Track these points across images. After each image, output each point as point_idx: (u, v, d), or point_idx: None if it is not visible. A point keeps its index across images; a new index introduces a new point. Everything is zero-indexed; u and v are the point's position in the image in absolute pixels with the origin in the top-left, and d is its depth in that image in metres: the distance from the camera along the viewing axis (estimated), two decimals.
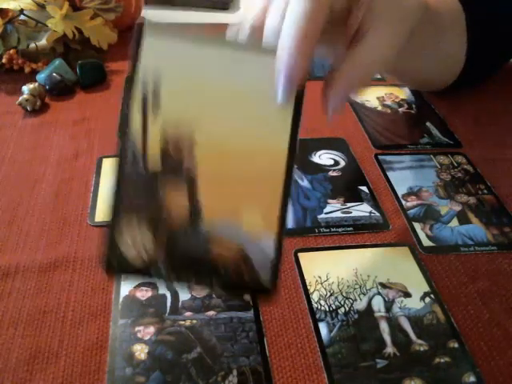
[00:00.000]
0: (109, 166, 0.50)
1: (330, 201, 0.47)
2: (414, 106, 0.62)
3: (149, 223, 0.28)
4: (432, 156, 0.54)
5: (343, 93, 0.32)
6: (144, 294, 0.38)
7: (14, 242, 0.41)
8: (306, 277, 0.40)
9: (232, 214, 0.29)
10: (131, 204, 0.28)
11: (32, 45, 0.65)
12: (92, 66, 0.63)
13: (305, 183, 0.49)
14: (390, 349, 0.35)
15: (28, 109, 0.57)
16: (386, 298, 0.39)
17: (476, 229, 0.45)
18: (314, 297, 0.38)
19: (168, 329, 0.36)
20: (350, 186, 0.49)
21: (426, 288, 0.39)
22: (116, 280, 0.39)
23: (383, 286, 0.39)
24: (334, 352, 0.35)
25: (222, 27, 0.34)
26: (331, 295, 0.38)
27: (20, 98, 0.57)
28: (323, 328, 0.36)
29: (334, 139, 0.56)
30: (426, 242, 0.43)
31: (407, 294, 0.39)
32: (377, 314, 0.37)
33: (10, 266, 0.39)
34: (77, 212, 0.44)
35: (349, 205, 0.47)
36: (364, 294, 0.39)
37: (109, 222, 0.28)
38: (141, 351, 0.34)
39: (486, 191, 0.49)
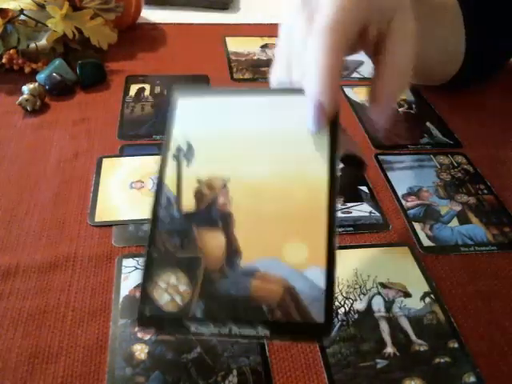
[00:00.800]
0: (109, 166, 0.50)
1: None
2: (413, 105, 0.62)
3: (184, 264, 0.27)
4: (432, 156, 0.54)
5: (389, 104, 0.33)
6: None
7: (14, 242, 0.41)
8: None
9: (272, 250, 0.27)
10: (165, 247, 0.28)
11: (32, 45, 0.65)
12: (92, 65, 0.63)
13: None
14: (390, 349, 0.35)
15: (28, 109, 0.57)
16: (386, 298, 0.38)
17: (476, 229, 0.45)
18: None
19: None
20: (350, 186, 0.49)
21: (426, 288, 0.39)
22: (116, 281, 0.39)
23: (383, 285, 0.39)
24: (333, 352, 0.35)
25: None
26: None
27: (20, 98, 0.57)
28: None
29: None
30: (426, 242, 0.43)
31: (407, 294, 0.39)
32: (377, 314, 0.37)
33: (10, 266, 0.39)
34: (77, 212, 0.44)
35: (349, 205, 0.47)
36: (364, 294, 0.39)
37: (143, 272, 0.27)
38: (141, 351, 0.34)
39: (485, 191, 0.49)
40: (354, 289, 0.39)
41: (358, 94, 0.64)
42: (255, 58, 0.71)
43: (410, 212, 0.46)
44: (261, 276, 0.26)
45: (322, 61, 0.28)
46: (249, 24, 0.82)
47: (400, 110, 0.61)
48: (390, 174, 0.51)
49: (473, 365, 0.34)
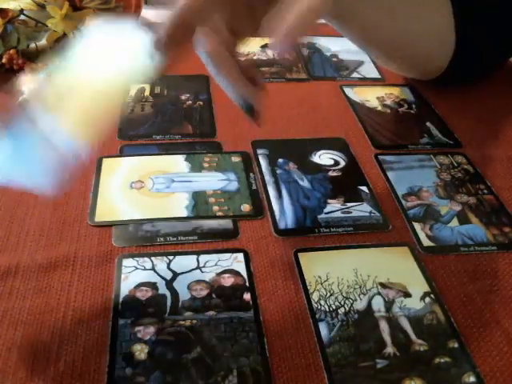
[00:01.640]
0: (109, 166, 0.50)
1: (329, 201, 0.47)
2: (413, 105, 0.62)
3: None
4: (432, 156, 0.54)
5: (287, 41, 0.35)
6: (144, 294, 0.38)
7: (14, 242, 0.41)
8: (306, 277, 0.40)
9: None
10: None
11: (32, 45, 0.65)
12: None
13: (305, 183, 0.49)
14: (390, 349, 0.35)
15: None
16: (386, 298, 0.38)
17: (476, 229, 0.45)
18: (314, 297, 0.38)
19: (168, 329, 0.36)
20: (349, 185, 0.49)
21: (426, 288, 0.39)
22: (116, 281, 0.39)
23: (383, 285, 0.39)
24: (333, 352, 0.35)
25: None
26: (331, 295, 0.38)
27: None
28: (323, 328, 0.36)
29: (334, 139, 0.56)
30: (426, 242, 0.43)
31: (407, 294, 0.39)
32: (377, 314, 0.37)
33: (10, 266, 0.39)
34: (77, 212, 0.44)
35: (349, 205, 0.47)
36: (364, 294, 0.39)
37: None
38: (141, 351, 0.34)
39: (485, 191, 0.49)
40: (354, 289, 0.39)
41: (358, 94, 0.64)
42: (255, 57, 0.71)
43: (410, 212, 0.46)
44: None
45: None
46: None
47: (400, 109, 0.61)
48: (389, 174, 0.51)
49: (473, 365, 0.34)
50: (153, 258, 0.40)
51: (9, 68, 0.63)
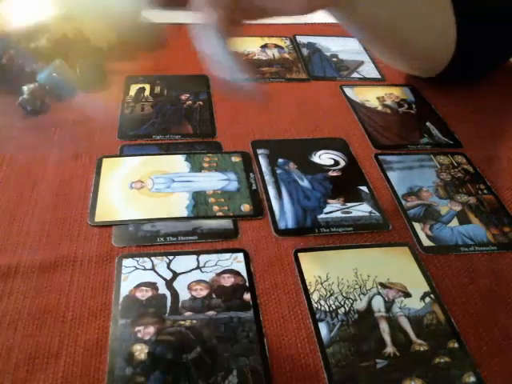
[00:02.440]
0: (109, 166, 0.50)
1: (330, 201, 0.47)
2: (413, 106, 0.62)
3: None
4: (432, 156, 0.54)
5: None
6: (144, 293, 0.38)
7: (14, 242, 0.41)
8: (306, 277, 0.40)
9: None
10: None
11: (32, 45, 0.65)
12: (92, 66, 0.62)
13: (305, 183, 0.49)
14: (390, 349, 0.35)
15: (28, 109, 0.57)
16: (386, 298, 0.39)
17: (476, 229, 0.45)
18: (314, 297, 0.38)
19: (168, 329, 0.36)
20: (349, 186, 0.49)
21: (426, 288, 0.39)
22: (116, 281, 0.39)
23: (383, 285, 0.39)
24: (333, 352, 0.35)
25: None
26: (331, 295, 0.38)
27: (20, 98, 0.57)
28: (323, 328, 0.36)
29: (334, 139, 0.56)
30: (426, 242, 0.43)
31: (407, 294, 0.39)
32: (377, 314, 0.37)
33: (10, 266, 0.39)
34: (77, 212, 0.44)
35: (349, 205, 0.47)
36: (364, 294, 0.39)
37: None
38: (141, 351, 0.34)
39: (485, 191, 0.49)
40: (354, 289, 0.39)
41: (358, 94, 0.64)
42: (255, 57, 0.71)
43: (410, 212, 0.46)
44: None
45: None
46: (249, 24, 0.81)
47: (400, 109, 0.61)
48: (389, 174, 0.51)
49: (473, 365, 0.34)
50: (153, 258, 0.40)
51: (9, 68, 0.63)
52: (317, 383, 0.33)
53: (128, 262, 0.40)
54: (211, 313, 0.37)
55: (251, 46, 0.74)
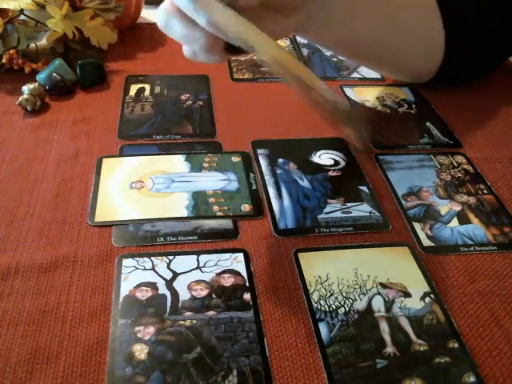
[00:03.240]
0: (109, 166, 0.50)
1: (330, 201, 0.47)
2: (413, 105, 0.62)
3: None
4: (432, 156, 0.54)
5: None
6: (144, 294, 0.38)
7: (13, 242, 0.41)
8: (306, 277, 0.40)
9: None
10: None
11: (32, 45, 0.65)
12: (92, 65, 0.63)
13: (305, 183, 0.49)
14: (390, 349, 0.35)
15: (28, 109, 0.57)
16: (386, 298, 0.39)
17: (476, 229, 0.45)
18: (314, 297, 0.38)
19: (168, 329, 0.36)
20: (349, 185, 0.49)
21: (426, 288, 0.39)
22: (116, 281, 0.39)
23: (383, 285, 0.39)
24: (333, 352, 0.35)
25: None
26: (331, 295, 0.38)
27: (20, 98, 0.57)
28: (323, 328, 0.36)
29: (333, 139, 0.56)
30: (426, 242, 0.43)
31: (407, 294, 0.39)
32: (377, 314, 0.37)
33: (9, 266, 0.39)
34: (77, 212, 0.44)
35: (349, 205, 0.47)
36: (364, 294, 0.39)
37: None
38: (141, 351, 0.34)
39: (485, 191, 0.49)
40: (354, 289, 0.39)
41: (358, 94, 0.64)
42: (255, 57, 0.71)
43: (410, 212, 0.46)
44: None
45: None
46: None
47: (400, 109, 0.61)
48: (389, 174, 0.51)
49: (473, 365, 0.34)
50: (153, 258, 0.40)
51: (9, 68, 0.63)
52: (317, 383, 0.33)
53: (128, 262, 0.40)
54: (211, 313, 0.37)
55: None
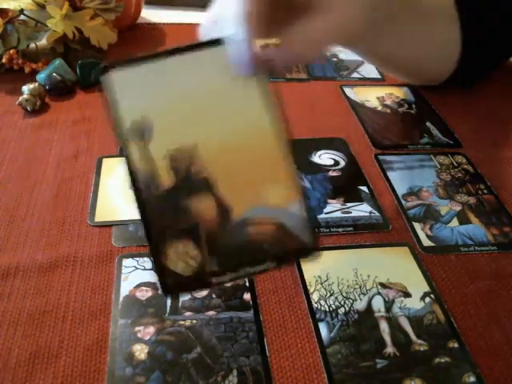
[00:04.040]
0: (109, 166, 0.50)
1: (330, 201, 0.47)
2: (413, 106, 0.62)
3: (185, 233, 0.29)
4: (432, 156, 0.54)
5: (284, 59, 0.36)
6: (144, 293, 0.38)
7: (13, 242, 0.41)
8: (305, 277, 0.40)
9: (256, 199, 0.30)
10: (162, 224, 0.30)
11: (32, 45, 0.65)
12: (92, 65, 0.62)
13: (305, 183, 0.49)
14: (390, 349, 0.35)
15: (28, 109, 0.57)
16: (386, 298, 0.39)
17: (476, 229, 0.45)
18: (314, 297, 0.38)
19: (168, 329, 0.36)
20: (349, 185, 0.49)
21: (426, 288, 0.39)
22: (116, 281, 0.39)
23: (383, 285, 0.39)
24: (333, 352, 0.35)
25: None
26: (331, 295, 0.38)
27: (20, 98, 0.57)
28: (323, 328, 0.36)
29: (334, 139, 0.56)
30: (426, 242, 0.43)
31: (407, 294, 0.39)
32: (377, 314, 0.37)
33: (9, 266, 0.39)
34: (77, 212, 0.44)
35: (349, 205, 0.47)
36: (364, 294, 0.39)
37: (149, 250, 0.30)
38: (141, 351, 0.34)
39: (485, 191, 0.49)
40: (354, 289, 0.39)
41: (358, 94, 0.64)
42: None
43: (410, 212, 0.46)
44: (253, 222, 0.30)
45: (244, 7, 0.31)
46: None
47: (400, 109, 0.61)
48: (389, 174, 0.51)
49: (473, 365, 0.34)
50: None
51: (9, 68, 0.63)
52: (317, 383, 0.33)
53: (128, 262, 0.40)
54: (211, 313, 0.37)
55: None
